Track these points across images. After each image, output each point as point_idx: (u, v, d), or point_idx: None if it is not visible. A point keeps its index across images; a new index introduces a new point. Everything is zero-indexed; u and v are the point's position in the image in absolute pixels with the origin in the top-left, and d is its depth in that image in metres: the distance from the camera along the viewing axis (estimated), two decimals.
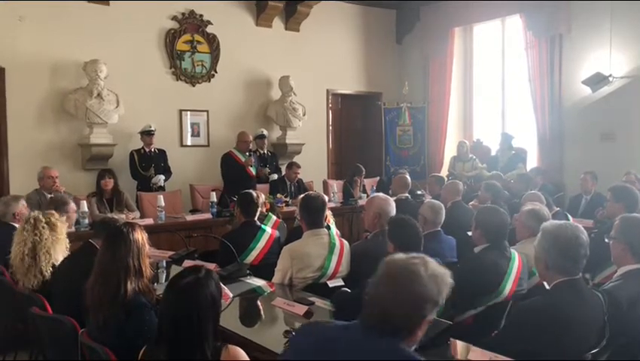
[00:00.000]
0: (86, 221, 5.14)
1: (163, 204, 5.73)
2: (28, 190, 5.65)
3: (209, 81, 8.17)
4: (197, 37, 8.04)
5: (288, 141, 8.62)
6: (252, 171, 7.19)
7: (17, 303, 3.20)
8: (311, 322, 1.95)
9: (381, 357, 1.63)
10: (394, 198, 4.88)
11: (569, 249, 2.40)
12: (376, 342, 1.64)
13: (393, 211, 3.81)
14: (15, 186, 6.41)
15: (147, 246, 2.62)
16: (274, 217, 4.87)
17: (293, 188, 7.37)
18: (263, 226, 4.24)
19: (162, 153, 7.15)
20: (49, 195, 5.50)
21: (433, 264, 1.71)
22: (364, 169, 8.00)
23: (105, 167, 6.99)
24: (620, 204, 4.35)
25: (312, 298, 3.04)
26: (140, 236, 2.58)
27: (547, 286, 2.51)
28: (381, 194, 4.17)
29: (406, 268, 1.67)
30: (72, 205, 4.60)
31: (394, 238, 3.11)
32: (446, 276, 1.71)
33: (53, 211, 3.56)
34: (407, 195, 6.17)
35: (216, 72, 8.20)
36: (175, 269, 3.77)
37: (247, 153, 7.21)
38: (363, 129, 10.27)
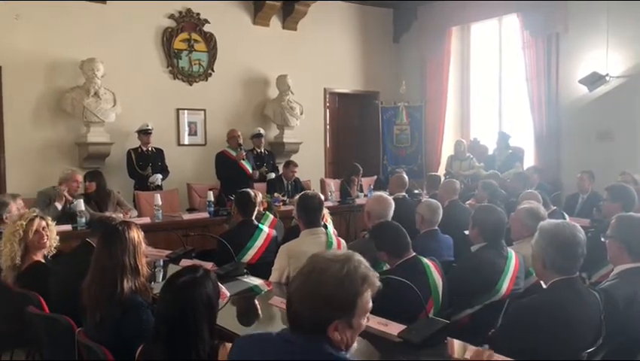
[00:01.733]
0: (84, 220, 5.13)
1: (160, 203, 5.73)
2: (25, 189, 5.64)
3: (206, 80, 8.16)
4: (194, 35, 8.03)
5: (285, 140, 8.62)
6: (245, 165, 7.18)
7: (14, 302, 3.19)
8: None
9: (294, 356, 1.56)
10: (392, 197, 4.89)
11: (567, 248, 2.40)
12: (295, 339, 1.58)
13: (383, 210, 3.81)
14: (12, 185, 6.40)
15: (143, 244, 2.62)
16: (271, 216, 4.87)
17: (290, 187, 7.37)
18: (260, 225, 4.24)
19: (159, 152, 7.14)
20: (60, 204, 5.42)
21: (356, 263, 1.59)
22: (361, 168, 8.00)
23: (102, 166, 7.01)
24: (617, 203, 4.36)
25: None
26: (136, 234, 2.58)
27: (544, 285, 2.52)
28: (382, 193, 4.19)
29: (318, 266, 1.60)
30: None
31: (381, 246, 3.09)
32: (370, 278, 1.58)
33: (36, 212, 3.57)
34: (404, 194, 6.18)
35: (213, 71, 8.19)
36: (173, 268, 3.77)
37: (238, 148, 7.21)
38: (360, 128, 10.27)
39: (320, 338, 1.55)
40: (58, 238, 3.58)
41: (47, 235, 3.45)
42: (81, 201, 5.29)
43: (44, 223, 3.46)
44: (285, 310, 1.65)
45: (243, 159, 7.15)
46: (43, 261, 3.43)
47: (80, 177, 5.64)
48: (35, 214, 3.46)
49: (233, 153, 7.20)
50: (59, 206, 5.35)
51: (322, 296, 1.54)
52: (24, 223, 3.36)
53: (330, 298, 1.54)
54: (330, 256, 1.63)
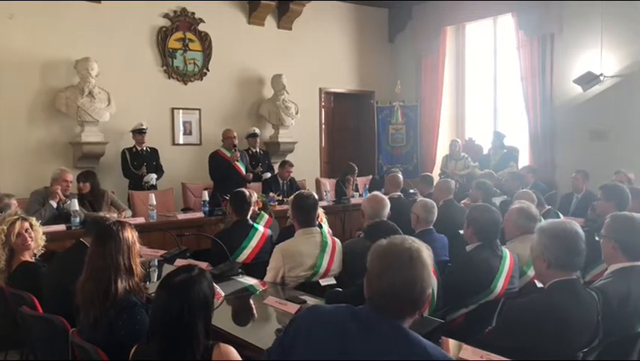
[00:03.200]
0: (78, 220, 5.11)
1: (154, 202, 5.71)
2: (19, 189, 5.61)
3: (201, 79, 8.14)
4: (189, 35, 8.01)
5: (280, 140, 8.61)
6: (239, 166, 7.17)
7: (6, 302, 3.18)
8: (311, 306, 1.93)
9: (393, 340, 1.63)
10: (387, 196, 4.89)
11: (571, 243, 2.41)
12: (385, 323, 1.66)
13: (378, 210, 3.82)
14: (6, 184, 6.35)
15: (137, 244, 2.61)
16: (266, 216, 4.86)
17: (285, 187, 7.37)
18: (255, 224, 4.23)
19: (154, 152, 7.12)
20: (55, 203, 5.42)
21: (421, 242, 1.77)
22: (356, 168, 8.01)
23: (96, 165, 6.99)
24: (611, 202, 4.38)
25: (304, 297, 3.04)
26: (130, 234, 2.57)
27: (541, 286, 2.51)
28: (378, 193, 4.19)
29: (415, 255, 1.70)
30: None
31: None
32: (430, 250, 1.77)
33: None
34: (400, 193, 6.20)
35: (208, 70, 8.18)
36: (167, 268, 3.75)
37: (232, 149, 7.20)
38: (355, 128, 10.28)
39: (401, 321, 1.67)
40: (44, 237, 3.57)
41: (32, 237, 3.44)
42: (75, 200, 5.27)
43: (26, 225, 3.44)
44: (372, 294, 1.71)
45: (237, 160, 7.14)
46: (32, 260, 3.42)
47: (70, 176, 5.59)
48: (15, 217, 3.44)
49: (227, 154, 7.17)
50: (54, 204, 5.34)
51: (423, 285, 1.68)
52: (5, 228, 3.35)
53: (426, 287, 1.69)
54: (407, 242, 1.75)
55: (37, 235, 3.49)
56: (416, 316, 1.69)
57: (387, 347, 1.62)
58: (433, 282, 2.98)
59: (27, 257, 3.41)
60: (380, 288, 1.68)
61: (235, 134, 7.34)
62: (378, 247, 1.75)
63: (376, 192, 4.24)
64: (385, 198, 4.03)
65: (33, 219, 3.55)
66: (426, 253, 1.72)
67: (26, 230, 3.42)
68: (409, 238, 1.77)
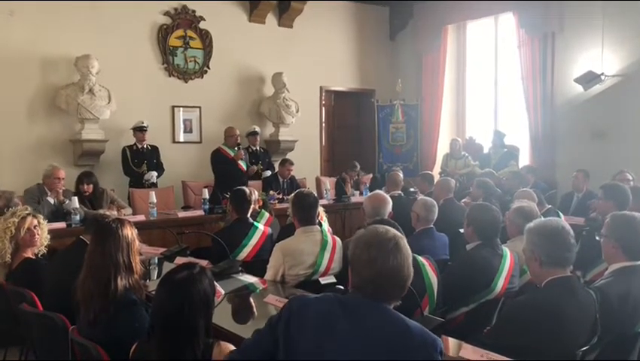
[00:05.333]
0: (78, 217, 5.11)
1: (154, 200, 5.71)
2: (19, 186, 5.61)
3: (202, 77, 8.14)
4: (190, 32, 8.00)
5: (280, 138, 8.61)
6: (242, 165, 7.16)
7: (6, 299, 3.18)
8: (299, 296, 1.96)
9: (381, 321, 1.73)
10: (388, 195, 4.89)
11: (558, 237, 2.43)
12: (373, 307, 1.74)
13: (379, 208, 3.81)
14: (5, 181, 6.34)
15: (137, 242, 2.61)
16: (267, 214, 4.85)
17: (286, 185, 7.36)
18: (255, 222, 4.23)
19: (154, 150, 7.11)
20: (52, 199, 5.43)
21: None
22: (358, 165, 8.01)
23: (96, 163, 6.99)
24: (611, 201, 4.37)
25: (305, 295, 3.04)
26: (129, 232, 2.57)
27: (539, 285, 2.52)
28: (379, 191, 4.19)
29: (400, 244, 1.79)
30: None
31: None
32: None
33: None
34: (400, 192, 6.19)
35: (209, 68, 8.17)
36: (167, 266, 3.76)
37: (236, 148, 7.19)
38: (356, 126, 10.27)
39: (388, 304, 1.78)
40: (49, 236, 3.58)
41: (39, 234, 3.44)
42: (75, 198, 5.27)
43: (35, 221, 3.46)
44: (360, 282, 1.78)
45: (241, 159, 7.13)
46: (33, 258, 3.42)
47: (62, 173, 5.55)
48: (27, 212, 3.45)
49: (230, 152, 7.16)
50: (51, 200, 5.34)
51: (409, 270, 1.78)
52: (16, 221, 3.35)
53: (411, 272, 1.79)
54: (399, 234, 1.84)
55: (43, 234, 3.50)
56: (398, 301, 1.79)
57: (375, 325, 1.71)
58: (433, 281, 2.98)
59: (29, 254, 3.41)
60: (370, 275, 1.75)
61: (238, 132, 7.33)
62: (363, 237, 1.82)
63: (377, 191, 4.24)
64: (387, 196, 4.04)
65: (41, 217, 3.57)
66: (405, 241, 1.82)
67: (35, 226, 3.44)
68: (388, 227, 1.86)
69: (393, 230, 1.83)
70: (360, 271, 1.77)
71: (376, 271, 1.74)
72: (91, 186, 5.69)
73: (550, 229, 2.45)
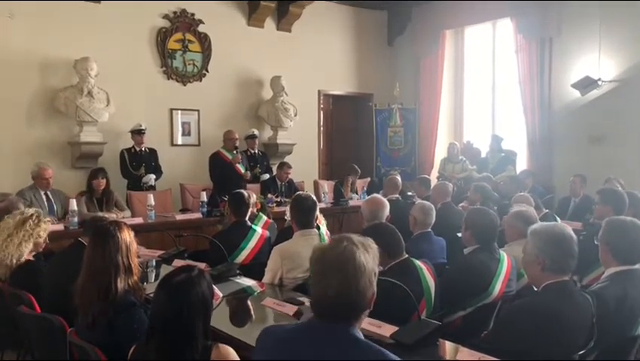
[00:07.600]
0: (76, 220, 5.12)
1: (153, 203, 5.71)
2: (17, 188, 5.61)
3: (200, 80, 8.15)
4: (189, 36, 8.01)
5: (279, 141, 8.62)
6: (240, 168, 7.16)
7: (5, 302, 3.18)
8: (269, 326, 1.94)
9: (342, 346, 1.61)
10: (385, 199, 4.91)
11: (565, 244, 2.42)
12: (333, 330, 1.64)
13: (376, 212, 3.82)
14: (4, 184, 6.35)
15: (135, 244, 2.62)
16: (264, 217, 4.87)
17: (284, 188, 7.37)
18: (253, 225, 4.24)
19: (152, 152, 7.12)
20: (43, 193, 5.55)
21: (362, 240, 1.70)
22: (359, 170, 8.02)
23: (94, 166, 6.97)
24: (608, 206, 4.39)
25: (302, 298, 3.04)
26: (127, 234, 2.58)
27: (536, 289, 2.52)
28: (377, 195, 4.20)
29: (352, 257, 1.64)
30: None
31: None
32: (374, 245, 1.72)
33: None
34: (398, 196, 6.20)
35: (207, 71, 8.18)
36: (165, 268, 3.76)
37: (234, 151, 7.19)
38: (354, 130, 10.28)
39: (349, 325, 1.65)
40: (47, 239, 3.60)
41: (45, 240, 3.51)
42: (74, 200, 5.28)
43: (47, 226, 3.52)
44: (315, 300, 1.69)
45: (239, 163, 7.13)
46: (33, 260, 3.42)
47: (49, 172, 5.60)
48: (47, 219, 3.53)
49: (228, 155, 7.16)
50: (42, 194, 5.45)
51: (361, 287, 1.63)
52: (47, 228, 3.45)
53: (364, 289, 1.63)
54: (354, 246, 1.67)
55: (44, 237, 3.54)
56: (364, 317, 1.69)
57: (333, 351, 1.61)
58: (430, 284, 2.99)
59: (29, 256, 3.42)
60: (317, 295, 1.67)
61: (237, 135, 7.34)
62: (314, 253, 1.71)
63: (375, 195, 4.25)
64: (384, 200, 4.05)
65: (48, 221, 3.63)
66: (362, 254, 1.65)
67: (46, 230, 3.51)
68: (347, 238, 1.69)
69: (346, 244, 1.66)
70: (311, 290, 1.70)
71: (321, 291, 1.64)
72: (104, 180, 5.75)
73: (557, 235, 2.44)
